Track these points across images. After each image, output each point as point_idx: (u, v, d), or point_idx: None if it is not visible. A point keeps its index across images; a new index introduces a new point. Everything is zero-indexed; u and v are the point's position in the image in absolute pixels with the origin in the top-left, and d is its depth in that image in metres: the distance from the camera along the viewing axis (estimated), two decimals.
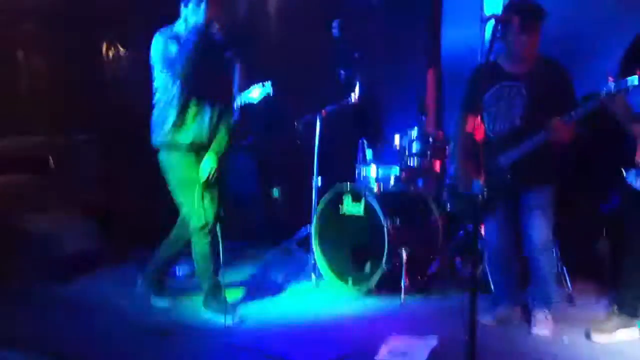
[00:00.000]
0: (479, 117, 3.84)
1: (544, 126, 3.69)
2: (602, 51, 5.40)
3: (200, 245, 4.21)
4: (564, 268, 4.81)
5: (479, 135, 3.76)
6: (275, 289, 5.00)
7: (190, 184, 4.15)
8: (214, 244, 4.20)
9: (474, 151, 3.90)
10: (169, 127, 4.13)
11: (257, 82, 5.17)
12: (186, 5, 4.12)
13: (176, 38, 4.09)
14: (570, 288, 4.72)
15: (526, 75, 3.88)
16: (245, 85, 5.33)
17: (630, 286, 4.02)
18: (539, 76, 3.84)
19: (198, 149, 4.18)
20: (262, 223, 6.13)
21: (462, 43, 6.08)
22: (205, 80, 4.10)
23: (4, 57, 5.70)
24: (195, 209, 4.13)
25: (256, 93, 5.12)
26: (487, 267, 4.46)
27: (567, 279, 4.77)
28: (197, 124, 4.15)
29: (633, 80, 3.38)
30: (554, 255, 4.03)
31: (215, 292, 4.25)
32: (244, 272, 5.42)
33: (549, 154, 3.85)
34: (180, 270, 5.11)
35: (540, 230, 3.88)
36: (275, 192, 6.17)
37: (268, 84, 5.10)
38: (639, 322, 3.98)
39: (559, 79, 3.87)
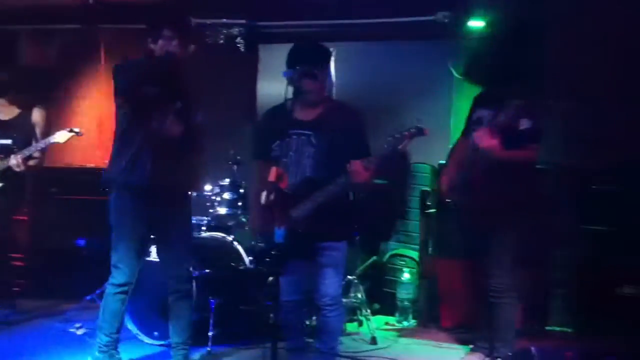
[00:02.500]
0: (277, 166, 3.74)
1: (342, 171, 3.62)
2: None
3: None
4: (369, 310, 5.01)
5: (283, 185, 3.79)
6: (78, 344, 4.73)
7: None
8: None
9: (272, 200, 3.79)
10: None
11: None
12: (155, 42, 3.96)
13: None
14: (373, 330, 4.90)
15: (315, 122, 3.80)
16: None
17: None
18: (328, 123, 3.76)
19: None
20: (66, 276, 5.81)
21: (278, 95, 6.23)
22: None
23: None
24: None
25: (63, 137, 4.98)
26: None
27: (371, 321, 4.96)
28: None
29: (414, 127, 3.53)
30: (343, 311, 4.01)
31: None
32: (45, 328, 5.13)
33: (342, 210, 3.80)
34: None
35: (330, 287, 3.81)
36: (82, 244, 5.88)
37: (77, 128, 5.00)
38: None
39: (349, 124, 3.79)
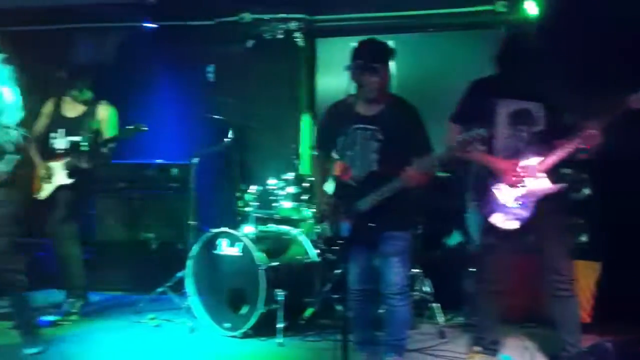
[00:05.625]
0: (342, 160, 3.84)
1: (399, 173, 3.71)
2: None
3: None
4: (436, 304, 5.00)
5: (347, 177, 3.85)
6: (151, 335, 4.85)
7: None
8: None
9: (337, 192, 3.95)
10: None
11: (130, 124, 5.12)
12: None
13: None
14: (442, 323, 4.89)
15: (379, 117, 3.88)
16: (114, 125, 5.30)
17: (488, 328, 4.20)
18: (391, 117, 3.85)
19: None
20: (137, 268, 5.95)
21: (336, 89, 6.27)
22: None
23: None
24: None
25: (128, 133, 5.09)
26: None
27: (439, 314, 4.95)
28: None
29: (482, 132, 3.51)
30: (410, 301, 4.02)
31: None
32: (119, 318, 5.27)
33: (406, 201, 3.85)
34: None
35: (397, 276, 3.86)
36: (150, 237, 6.00)
37: (143, 125, 5.07)
38: (504, 357, 4.15)
39: (410, 119, 3.88)
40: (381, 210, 3.79)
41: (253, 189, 5.32)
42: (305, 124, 6.30)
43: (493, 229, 4.00)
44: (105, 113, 5.41)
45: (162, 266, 5.55)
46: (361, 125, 3.89)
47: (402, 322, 3.98)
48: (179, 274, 5.27)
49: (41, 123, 5.40)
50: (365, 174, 3.86)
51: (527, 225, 3.93)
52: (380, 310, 4.14)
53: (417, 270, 5.10)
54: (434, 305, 5.04)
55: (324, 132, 4.14)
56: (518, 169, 3.92)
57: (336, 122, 3.98)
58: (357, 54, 3.86)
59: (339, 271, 5.12)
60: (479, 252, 4.23)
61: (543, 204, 3.89)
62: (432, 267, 5.24)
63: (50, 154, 5.30)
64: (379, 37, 3.96)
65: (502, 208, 3.95)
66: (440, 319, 4.96)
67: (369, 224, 3.79)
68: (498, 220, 3.97)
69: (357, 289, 4.00)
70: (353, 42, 6.16)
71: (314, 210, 5.08)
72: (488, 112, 3.96)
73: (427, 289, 5.10)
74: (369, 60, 3.79)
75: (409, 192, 3.83)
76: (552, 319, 4.05)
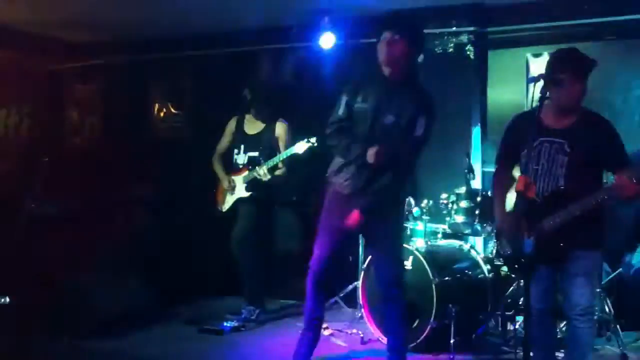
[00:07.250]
0: (527, 175, 3.58)
1: (588, 189, 3.54)
2: None
3: None
4: (617, 326, 4.73)
5: (530, 194, 3.70)
6: (323, 344, 4.96)
7: None
8: None
9: (520, 208, 3.72)
10: None
11: (302, 137, 5.32)
12: None
13: None
14: (623, 346, 4.62)
15: (568, 130, 3.69)
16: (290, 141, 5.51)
17: None
18: (583, 131, 3.65)
19: None
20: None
21: (508, 101, 6.16)
22: None
23: None
24: None
25: (301, 147, 5.27)
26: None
27: (621, 337, 4.68)
28: None
29: None
30: (595, 323, 3.80)
31: None
32: (293, 326, 5.43)
33: (594, 218, 3.62)
34: None
35: (582, 297, 3.67)
36: None
37: (314, 138, 5.22)
38: None
39: (604, 133, 3.66)
40: (568, 228, 3.59)
41: (424, 202, 5.35)
42: (477, 137, 6.21)
43: None
44: (281, 130, 5.68)
45: (334, 277, 5.69)
46: (549, 139, 3.71)
47: (585, 344, 3.77)
48: (351, 285, 5.39)
49: (225, 140, 5.79)
50: (551, 190, 3.70)
51: None
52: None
53: (598, 289, 4.86)
54: (615, 326, 4.77)
55: (507, 145, 3.97)
56: None
57: (520, 134, 3.77)
58: (548, 65, 3.71)
59: (512, 288, 5.02)
60: None
61: None
62: (614, 286, 4.98)
63: (233, 169, 5.65)
64: (555, 47, 3.82)
65: None
66: (623, 341, 4.69)
67: (555, 242, 3.62)
68: None
69: (538, 308, 3.82)
70: (527, 53, 6.13)
71: (490, 226, 5.00)
72: None
73: (606, 307, 4.84)
74: (555, 72, 3.62)
75: (598, 208, 3.60)
76: None
